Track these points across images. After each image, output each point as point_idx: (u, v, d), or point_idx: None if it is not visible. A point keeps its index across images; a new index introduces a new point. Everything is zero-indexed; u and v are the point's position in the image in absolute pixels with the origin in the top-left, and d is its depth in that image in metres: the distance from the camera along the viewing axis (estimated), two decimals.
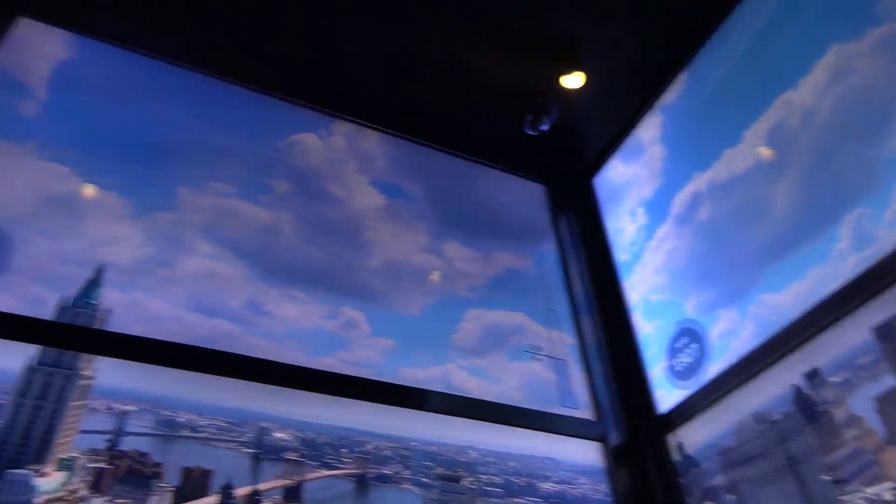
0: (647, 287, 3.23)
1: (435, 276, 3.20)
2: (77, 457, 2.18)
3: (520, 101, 3.30)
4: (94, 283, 2.39)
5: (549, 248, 3.65)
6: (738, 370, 2.52)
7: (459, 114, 3.56)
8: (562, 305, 3.41)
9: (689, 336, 2.88)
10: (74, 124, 2.79)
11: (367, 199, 3.30)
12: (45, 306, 2.27)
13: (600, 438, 2.93)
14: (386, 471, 2.58)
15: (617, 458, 2.88)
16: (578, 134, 3.65)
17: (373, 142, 3.58)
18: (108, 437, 2.33)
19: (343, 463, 2.58)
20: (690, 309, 2.90)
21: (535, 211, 3.80)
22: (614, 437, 2.94)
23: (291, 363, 2.52)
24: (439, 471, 2.60)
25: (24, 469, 2.01)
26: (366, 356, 2.71)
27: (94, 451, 2.28)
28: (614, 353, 3.26)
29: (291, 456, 2.51)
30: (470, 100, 3.46)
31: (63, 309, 2.30)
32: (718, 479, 2.52)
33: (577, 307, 3.41)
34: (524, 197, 3.85)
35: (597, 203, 3.78)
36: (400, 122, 3.62)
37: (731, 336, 2.62)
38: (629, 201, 3.50)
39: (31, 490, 1.96)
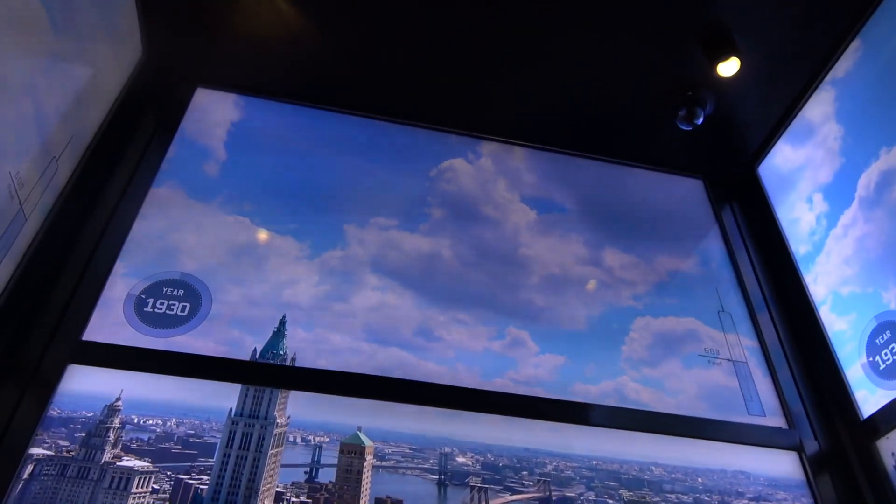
0: (834, 279, 2.94)
1: (591, 285, 3.13)
2: (282, 491, 2.38)
3: (670, 96, 3.16)
4: (278, 334, 2.59)
5: (715, 247, 3.44)
6: None
7: (606, 118, 3.47)
8: (735, 306, 3.19)
9: (893, 330, 2.58)
10: (249, 178, 3.07)
11: (520, 216, 3.31)
12: (242, 347, 2.51)
13: (796, 448, 2.70)
14: (569, 493, 2.54)
15: (817, 469, 2.64)
16: (736, 122, 3.41)
17: (520, 158, 3.59)
18: (305, 469, 2.51)
19: (524, 486, 2.57)
20: (892, 300, 2.60)
21: (695, 208, 3.60)
22: (812, 446, 2.70)
23: (465, 386, 2.57)
24: (625, 494, 2.52)
25: None
26: (535, 374, 2.71)
27: (295, 485, 2.47)
28: (802, 353, 3.01)
29: (474, 481, 2.55)
30: (616, 102, 3.37)
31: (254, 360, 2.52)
32: None
33: (752, 306, 3.17)
34: (682, 194, 3.66)
35: (764, 193, 3.50)
36: (546, 135, 3.61)
37: None
38: (803, 187, 3.20)
39: None
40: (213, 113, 3.25)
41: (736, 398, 2.82)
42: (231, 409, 2.42)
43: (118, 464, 2.36)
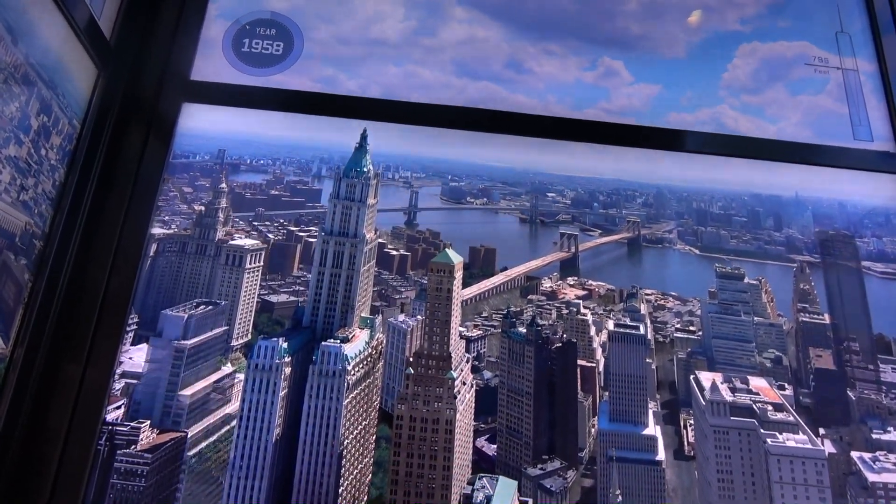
0: None
1: (695, 17, 2.89)
2: (379, 309, 2.54)
3: None
4: (360, 150, 2.58)
5: None
6: None
7: None
8: (856, 27, 2.89)
9: None
10: None
11: None
12: (337, 83, 2.57)
13: None
14: (658, 231, 2.61)
15: None
16: None
17: None
18: (405, 211, 2.68)
19: (616, 226, 2.66)
20: None
21: None
22: None
23: (555, 115, 2.57)
24: (718, 268, 2.54)
25: (334, 338, 2.38)
26: (628, 104, 2.66)
27: (395, 230, 2.66)
28: None
29: (564, 218, 2.65)
30: None
31: (339, 179, 2.57)
32: None
33: (878, 27, 2.86)
34: None
35: None
36: None
37: None
38: None
39: (343, 359, 2.34)
40: None
41: (843, 124, 2.67)
42: (319, 229, 2.52)
43: (230, 242, 2.62)
